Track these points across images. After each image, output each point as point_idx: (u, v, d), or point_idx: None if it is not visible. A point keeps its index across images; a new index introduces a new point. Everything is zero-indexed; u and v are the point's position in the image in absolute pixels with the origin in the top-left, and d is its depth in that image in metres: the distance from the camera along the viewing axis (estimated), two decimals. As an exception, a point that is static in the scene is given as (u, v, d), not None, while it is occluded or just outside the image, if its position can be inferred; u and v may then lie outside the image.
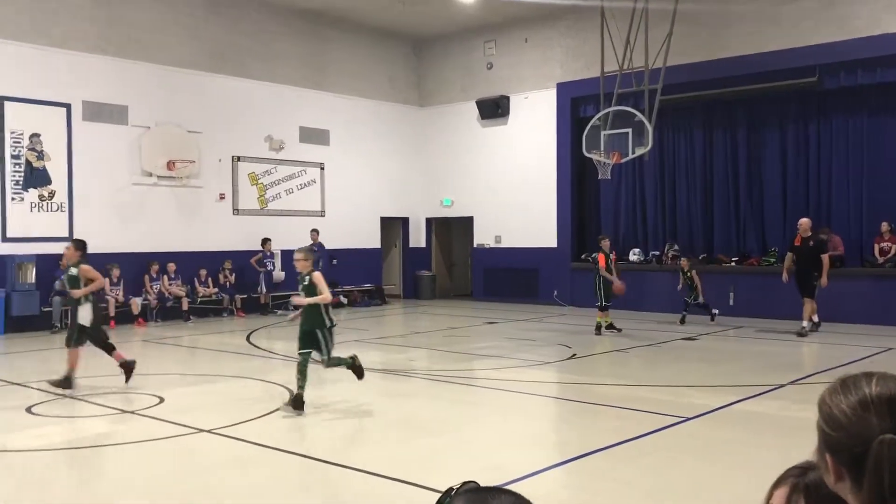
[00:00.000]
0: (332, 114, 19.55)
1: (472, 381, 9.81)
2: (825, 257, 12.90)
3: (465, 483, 1.37)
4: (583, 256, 17.99)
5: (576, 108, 18.71)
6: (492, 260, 20.31)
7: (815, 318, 13.29)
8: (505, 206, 19.82)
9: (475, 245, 20.81)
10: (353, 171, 19.98)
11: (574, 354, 11.43)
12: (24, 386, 9.26)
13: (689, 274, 14.90)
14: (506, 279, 19.95)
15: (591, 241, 18.99)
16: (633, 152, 15.29)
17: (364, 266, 20.13)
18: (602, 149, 15.59)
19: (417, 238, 21.90)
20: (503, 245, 20.16)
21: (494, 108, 19.89)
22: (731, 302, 16.06)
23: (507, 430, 7.45)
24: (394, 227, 21.48)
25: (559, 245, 18.89)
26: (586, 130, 16.03)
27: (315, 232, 17.97)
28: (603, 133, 15.58)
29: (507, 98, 19.83)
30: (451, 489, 1.35)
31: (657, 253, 17.76)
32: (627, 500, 5.26)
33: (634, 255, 17.88)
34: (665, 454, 6.33)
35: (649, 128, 15.09)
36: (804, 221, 13.39)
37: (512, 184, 19.71)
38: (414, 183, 21.52)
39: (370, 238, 20.59)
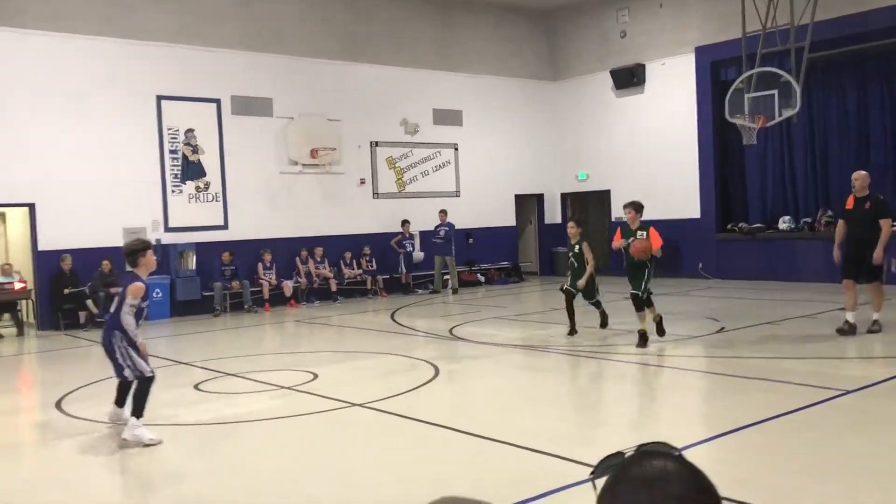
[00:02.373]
0: (463, 94, 19.69)
1: (615, 356, 9.70)
2: (885, 223, 9.41)
3: (647, 444, 1.16)
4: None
5: (716, 71, 17.94)
6: (631, 233, 19.83)
7: (851, 318, 9.70)
8: (643, 178, 19.29)
9: (613, 219, 20.43)
10: (486, 149, 20.07)
11: (722, 328, 11.06)
12: (191, 365, 9.96)
13: (577, 248, 10.85)
14: (646, 252, 19.46)
15: (737, 209, 18.25)
16: (780, 115, 14.55)
17: (500, 244, 20.24)
18: (746, 113, 14.92)
19: (553, 214, 21.75)
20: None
21: (629, 77, 19.38)
22: (894, 268, 15.00)
23: (654, 405, 7.35)
24: (528, 203, 21.44)
25: (703, 216, 18.23)
26: (729, 94, 15.39)
27: (443, 213, 18.23)
28: (747, 96, 14.91)
29: (643, 66, 19.27)
30: (620, 453, 1.18)
31: (809, 220, 16.83)
32: (783, 476, 5.08)
33: (784, 223, 17.03)
34: (823, 428, 6.06)
35: (797, 88, 14.31)
36: (860, 175, 9.72)
37: (650, 154, 19.17)
38: (548, 158, 21.36)
39: (505, 216, 20.66)
